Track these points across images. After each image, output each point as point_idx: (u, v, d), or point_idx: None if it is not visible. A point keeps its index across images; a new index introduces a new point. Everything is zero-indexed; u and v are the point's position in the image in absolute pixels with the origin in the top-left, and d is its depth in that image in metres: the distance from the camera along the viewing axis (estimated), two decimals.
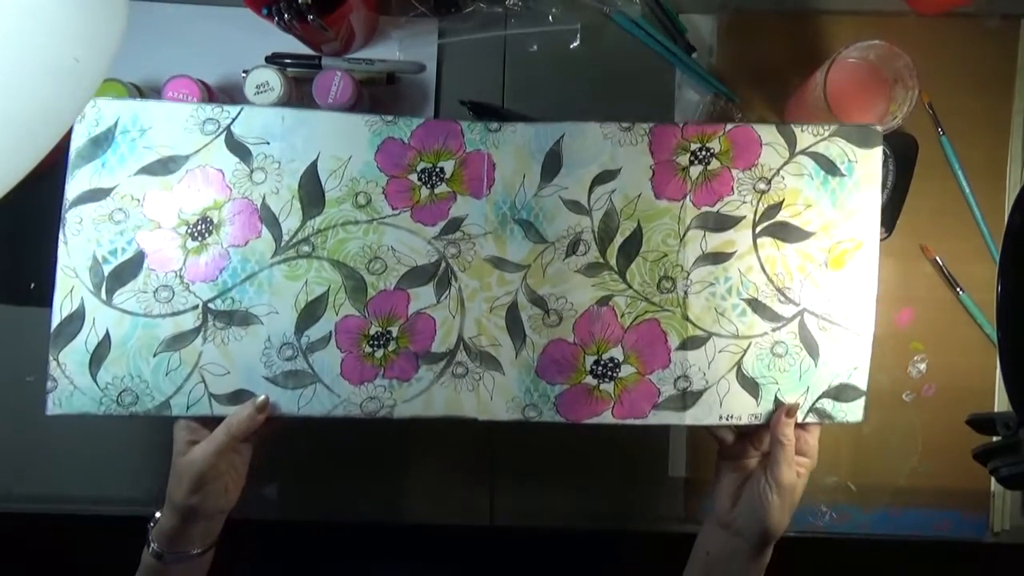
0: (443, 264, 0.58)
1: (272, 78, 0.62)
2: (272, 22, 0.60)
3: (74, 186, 0.56)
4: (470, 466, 0.71)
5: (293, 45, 0.68)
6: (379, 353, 0.57)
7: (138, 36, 0.68)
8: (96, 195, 0.56)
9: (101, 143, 0.56)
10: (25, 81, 0.36)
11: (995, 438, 0.50)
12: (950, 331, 0.70)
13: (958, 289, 0.70)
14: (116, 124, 0.56)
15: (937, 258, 0.70)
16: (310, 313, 0.57)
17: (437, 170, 0.58)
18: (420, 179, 0.58)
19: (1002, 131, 0.70)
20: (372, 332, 0.57)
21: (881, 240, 0.68)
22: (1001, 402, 0.70)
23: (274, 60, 0.68)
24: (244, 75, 0.63)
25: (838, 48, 0.60)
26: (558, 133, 0.58)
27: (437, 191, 0.58)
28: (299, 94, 0.66)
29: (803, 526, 0.70)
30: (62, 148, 0.55)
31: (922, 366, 0.70)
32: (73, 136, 0.56)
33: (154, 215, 0.56)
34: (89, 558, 0.76)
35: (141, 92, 0.64)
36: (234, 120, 0.57)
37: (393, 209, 0.58)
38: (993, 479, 0.56)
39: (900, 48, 0.60)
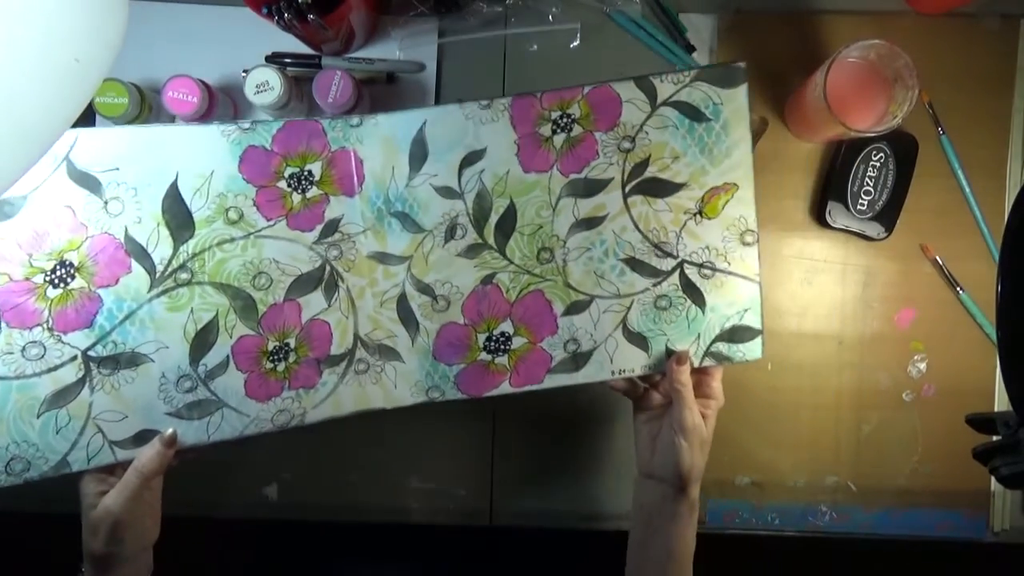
0: (327, 268, 0.57)
1: (272, 78, 0.62)
2: (272, 22, 0.60)
3: None
4: (470, 466, 0.71)
5: (293, 45, 0.68)
6: (280, 367, 0.56)
7: (138, 36, 0.68)
8: None
9: None
10: (25, 81, 0.36)
11: (995, 437, 0.50)
12: (950, 331, 0.70)
13: (958, 289, 0.70)
14: None
15: (937, 258, 0.70)
16: (202, 341, 0.55)
17: (305, 173, 0.56)
18: (290, 185, 0.56)
19: (1002, 130, 0.70)
20: (270, 347, 0.56)
21: (880, 240, 0.69)
22: (1001, 402, 0.70)
23: (274, 60, 0.68)
24: (244, 75, 0.63)
25: (838, 48, 0.60)
26: (420, 120, 0.57)
27: (309, 195, 0.56)
28: (299, 93, 0.66)
29: (803, 526, 0.70)
30: None
31: (922, 366, 0.70)
32: None
33: (1, 267, 0.52)
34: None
35: (141, 92, 0.64)
36: (72, 148, 0.53)
37: (268, 220, 0.56)
38: (993, 479, 0.56)
39: (900, 48, 0.59)
